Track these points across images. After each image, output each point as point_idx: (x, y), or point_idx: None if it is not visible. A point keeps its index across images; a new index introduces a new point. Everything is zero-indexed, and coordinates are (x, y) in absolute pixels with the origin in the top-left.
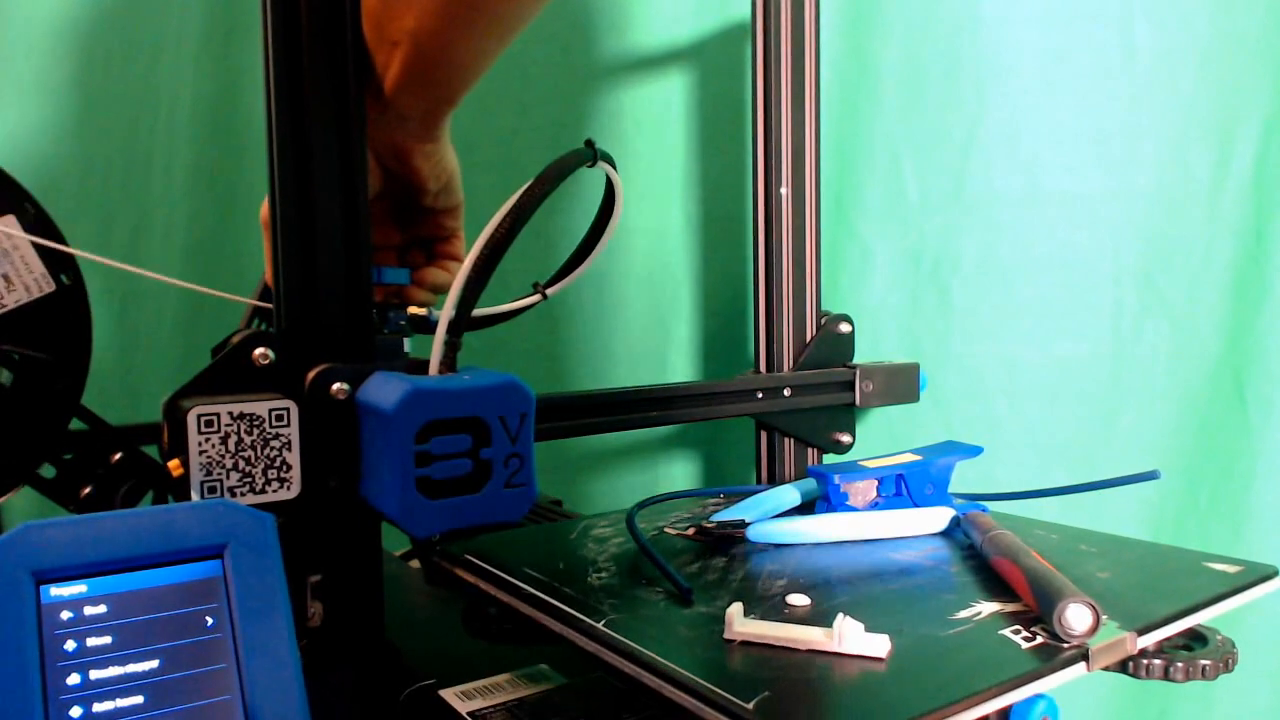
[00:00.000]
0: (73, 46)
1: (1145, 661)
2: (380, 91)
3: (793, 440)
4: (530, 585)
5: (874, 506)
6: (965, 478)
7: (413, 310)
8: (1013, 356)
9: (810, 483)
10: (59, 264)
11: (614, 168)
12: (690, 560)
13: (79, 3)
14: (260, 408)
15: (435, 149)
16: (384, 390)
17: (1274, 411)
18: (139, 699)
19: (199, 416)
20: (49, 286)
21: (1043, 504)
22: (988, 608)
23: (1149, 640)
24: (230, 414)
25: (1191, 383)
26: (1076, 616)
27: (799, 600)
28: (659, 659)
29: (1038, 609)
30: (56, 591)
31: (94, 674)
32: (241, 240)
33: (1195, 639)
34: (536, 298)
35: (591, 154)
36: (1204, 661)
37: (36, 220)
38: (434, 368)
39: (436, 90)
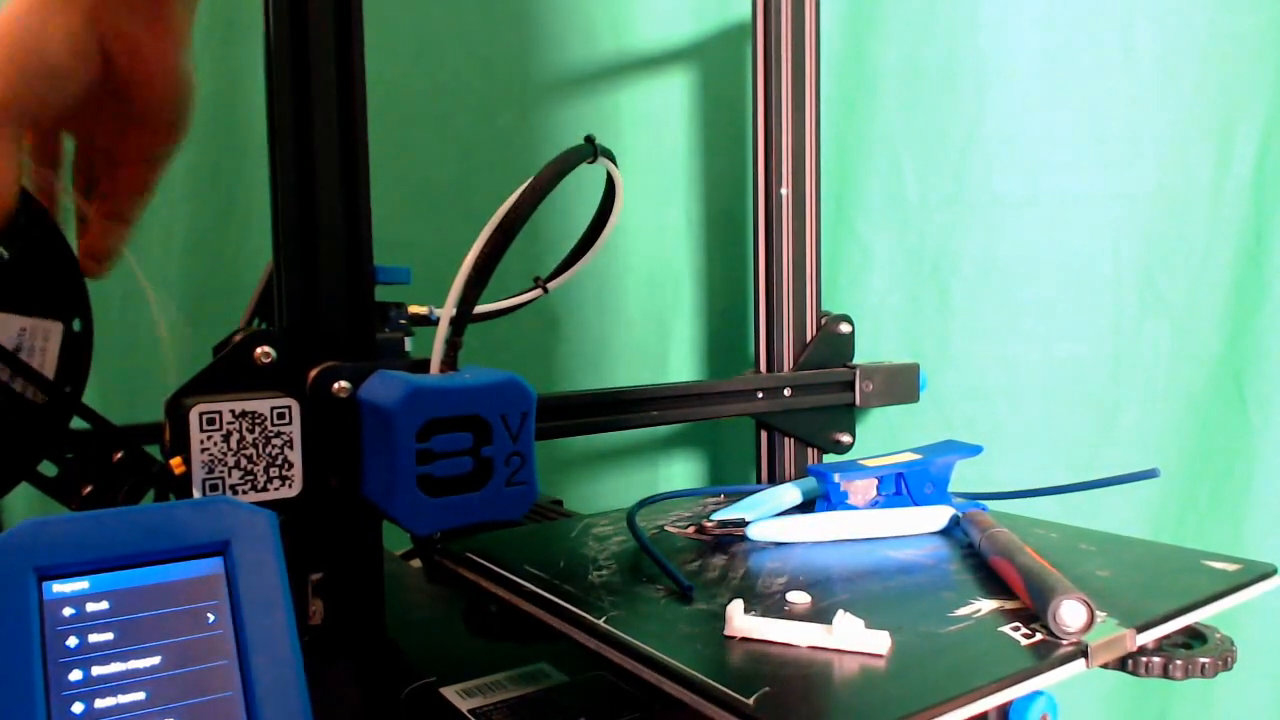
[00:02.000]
0: None
1: (1144, 659)
2: None
3: (793, 440)
4: (531, 583)
5: (874, 505)
6: (965, 477)
7: (413, 309)
8: (1013, 356)
9: (810, 482)
10: (73, 313)
11: (614, 163)
12: (691, 558)
13: None
14: (262, 406)
15: (172, 45)
16: (385, 389)
17: (1274, 411)
18: (140, 695)
19: (201, 415)
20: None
21: (1042, 503)
22: (987, 605)
23: (1148, 638)
24: (232, 412)
25: (1191, 383)
26: (1070, 613)
27: (799, 598)
28: (660, 655)
29: (1033, 606)
30: (59, 588)
31: (96, 670)
32: (241, 240)
33: (1194, 637)
34: (537, 292)
35: (592, 150)
36: (1203, 659)
37: (80, 336)
38: (435, 366)
39: None
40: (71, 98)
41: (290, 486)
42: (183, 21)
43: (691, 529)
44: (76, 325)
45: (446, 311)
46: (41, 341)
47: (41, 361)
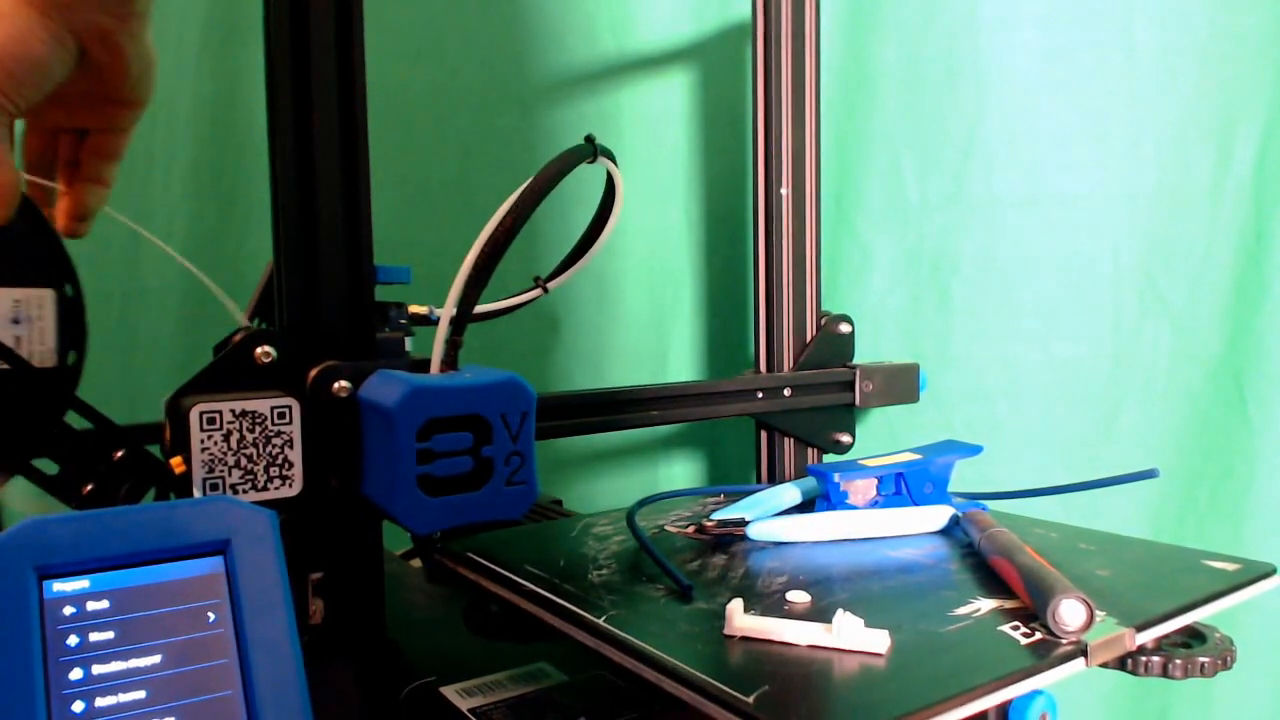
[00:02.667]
0: None
1: (1144, 658)
2: None
3: (793, 440)
4: (531, 582)
5: (874, 505)
6: (965, 477)
7: (413, 309)
8: (1013, 356)
9: (810, 481)
10: (62, 280)
11: (614, 162)
12: (691, 558)
13: None
14: (262, 405)
15: (139, 26)
16: (386, 388)
17: (1274, 411)
18: (141, 694)
19: (201, 414)
20: (52, 361)
21: (1043, 503)
22: (986, 604)
23: (1148, 637)
24: (232, 411)
25: (1191, 383)
26: (1070, 612)
27: (799, 597)
28: (660, 654)
29: (1033, 605)
30: (59, 587)
31: (96, 669)
32: (241, 240)
33: (1194, 637)
34: (538, 291)
35: (592, 150)
36: (1203, 659)
37: (74, 301)
38: (435, 366)
39: None
40: (53, 88)
41: (290, 486)
42: (146, 4)
43: (691, 529)
44: (69, 291)
45: (447, 311)
46: (37, 310)
47: (41, 329)
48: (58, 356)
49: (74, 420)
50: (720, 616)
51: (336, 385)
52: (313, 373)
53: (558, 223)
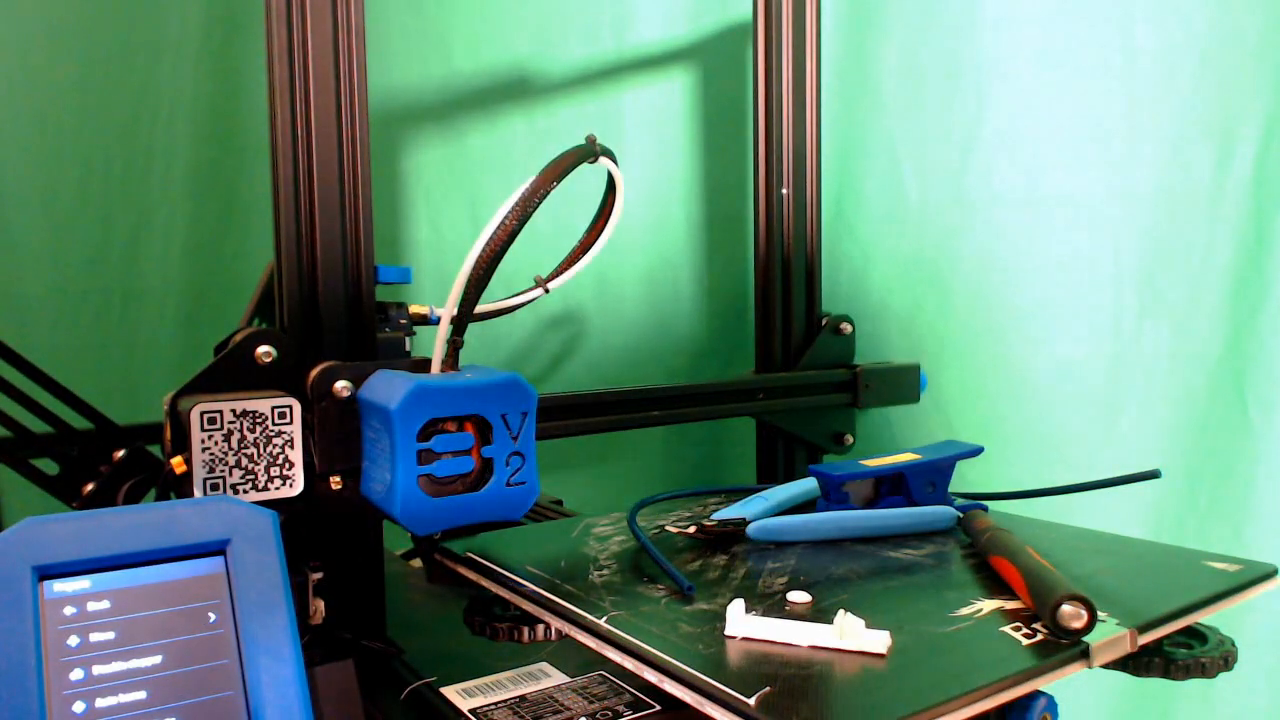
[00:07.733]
0: (72, 45)
1: (1146, 659)
2: None
3: (793, 440)
4: (532, 583)
5: (874, 505)
6: (966, 477)
7: (414, 309)
8: (1013, 356)
9: (811, 481)
10: None
11: (615, 162)
12: (691, 558)
13: (79, 1)
14: (263, 405)
15: None
16: (386, 388)
17: (1274, 411)
18: (141, 694)
19: (202, 414)
20: None
21: (1043, 503)
22: (988, 605)
23: (1149, 638)
24: (233, 411)
25: (1191, 383)
26: (1071, 613)
27: (799, 597)
28: (661, 655)
29: (1034, 606)
30: (60, 587)
31: (97, 669)
32: (241, 240)
33: (1195, 637)
34: (539, 291)
35: (592, 149)
36: (1204, 659)
37: None
38: (436, 366)
39: None
40: None
41: (291, 486)
42: None
43: (692, 529)
44: None
45: (447, 311)
46: None
47: None
48: None
49: (74, 420)
50: (721, 617)
51: (337, 385)
52: (313, 373)
53: (558, 223)
